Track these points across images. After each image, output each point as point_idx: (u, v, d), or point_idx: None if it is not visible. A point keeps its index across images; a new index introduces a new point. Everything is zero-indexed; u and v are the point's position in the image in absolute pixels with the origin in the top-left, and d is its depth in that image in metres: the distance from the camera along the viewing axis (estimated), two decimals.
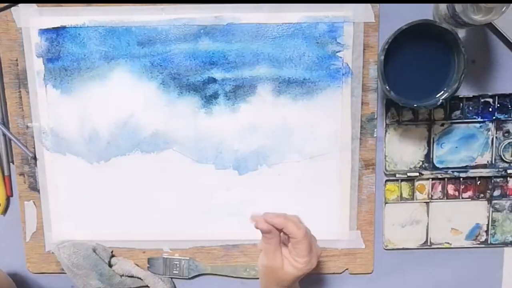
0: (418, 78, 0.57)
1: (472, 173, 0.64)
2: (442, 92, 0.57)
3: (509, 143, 0.63)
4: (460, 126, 0.63)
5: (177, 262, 0.66)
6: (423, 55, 0.57)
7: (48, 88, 0.63)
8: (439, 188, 0.64)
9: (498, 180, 0.64)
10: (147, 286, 0.65)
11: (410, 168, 0.64)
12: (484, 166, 0.64)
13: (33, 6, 0.61)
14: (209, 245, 0.66)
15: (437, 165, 0.64)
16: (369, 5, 0.60)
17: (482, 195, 0.64)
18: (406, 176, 0.64)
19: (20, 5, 0.61)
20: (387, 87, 0.55)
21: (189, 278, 0.66)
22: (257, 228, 0.54)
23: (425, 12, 0.60)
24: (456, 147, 0.63)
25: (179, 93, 0.62)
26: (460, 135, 0.63)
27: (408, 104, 0.56)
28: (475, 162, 0.64)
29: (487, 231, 0.65)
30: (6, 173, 0.65)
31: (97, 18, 0.61)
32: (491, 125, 0.63)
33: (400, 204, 0.65)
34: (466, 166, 0.64)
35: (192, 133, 0.63)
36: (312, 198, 0.64)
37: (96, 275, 0.63)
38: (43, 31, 0.61)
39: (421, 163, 0.64)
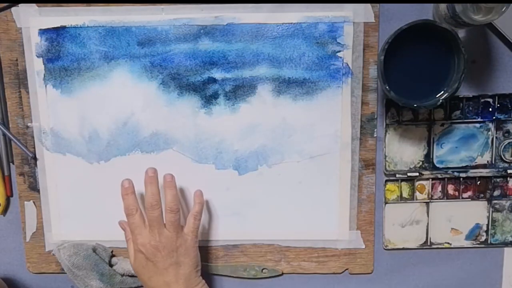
0: (418, 78, 0.57)
1: (472, 173, 0.64)
2: (442, 92, 0.57)
3: (509, 143, 0.63)
4: (460, 126, 0.63)
5: None
6: (423, 55, 0.57)
7: (48, 88, 0.63)
8: (439, 188, 0.64)
9: (498, 180, 0.64)
10: None
11: (410, 168, 0.64)
12: (484, 166, 0.64)
13: (33, 6, 0.61)
14: (209, 245, 0.66)
15: (437, 165, 0.64)
16: (369, 5, 0.60)
17: (482, 195, 0.64)
18: (406, 176, 0.64)
19: (20, 5, 0.61)
20: (387, 87, 0.55)
21: None
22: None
23: (425, 12, 0.60)
24: (456, 147, 0.63)
25: (179, 93, 0.62)
26: (460, 135, 0.63)
27: (408, 104, 0.56)
28: (475, 162, 0.64)
29: (487, 231, 0.65)
30: (6, 173, 0.65)
31: (97, 18, 0.61)
32: (491, 125, 0.63)
33: (400, 204, 0.65)
34: (466, 166, 0.64)
35: (192, 133, 0.63)
36: (312, 198, 0.64)
37: (97, 275, 0.63)
38: (43, 31, 0.61)
39: (421, 163, 0.64)
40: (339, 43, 0.61)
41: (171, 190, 0.60)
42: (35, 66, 0.62)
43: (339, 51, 0.61)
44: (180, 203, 0.62)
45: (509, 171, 0.63)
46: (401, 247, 0.66)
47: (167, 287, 0.58)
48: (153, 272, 0.58)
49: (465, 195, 0.64)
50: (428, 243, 0.65)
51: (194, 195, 0.62)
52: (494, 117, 0.63)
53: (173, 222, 0.58)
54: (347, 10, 0.60)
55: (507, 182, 0.64)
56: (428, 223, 0.65)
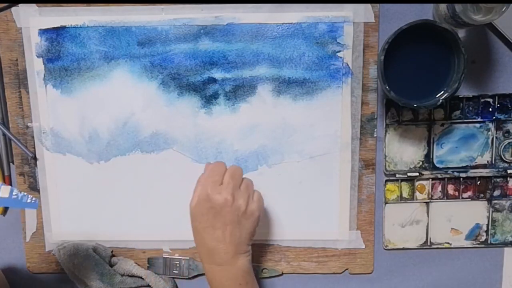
0: (418, 78, 0.57)
1: (472, 173, 0.64)
2: (442, 92, 0.57)
3: (509, 143, 0.63)
4: (460, 126, 0.63)
5: (177, 262, 0.66)
6: (423, 55, 0.57)
7: (48, 88, 0.63)
8: (439, 188, 0.64)
9: (498, 180, 0.64)
10: (148, 285, 0.65)
11: (410, 168, 0.64)
12: (484, 166, 0.64)
13: (33, 6, 0.61)
14: None
15: (437, 165, 0.64)
16: (369, 5, 0.60)
17: (482, 195, 0.64)
18: (406, 176, 0.64)
19: (20, 5, 0.61)
20: (387, 87, 0.55)
21: (189, 278, 0.66)
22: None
23: (425, 12, 0.60)
24: (456, 147, 0.63)
25: (179, 93, 0.63)
26: (460, 135, 0.63)
27: (408, 104, 0.56)
28: (475, 162, 0.64)
29: (487, 231, 0.65)
30: (6, 173, 0.65)
31: (97, 18, 0.61)
32: (491, 125, 0.63)
33: (400, 204, 0.65)
34: (466, 166, 0.64)
35: (192, 133, 0.63)
36: (312, 198, 0.64)
37: (97, 275, 0.63)
38: (43, 31, 0.61)
39: (421, 163, 0.64)
40: (339, 43, 0.61)
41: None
42: (35, 66, 0.62)
43: (339, 51, 0.61)
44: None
45: (509, 171, 0.63)
46: (401, 247, 0.66)
47: (216, 242, 0.56)
48: (214, 221, 0.56)
49: (465, 195, 0.64)
50: (428, 243, 0.65)
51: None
52: (494, 117, 0.63)
53: (248, 185, 0.58)
54: (347, 10, 0.60)
55: (507, 182, 0.64)
56: (428, 223, 0.65)
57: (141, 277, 0.65)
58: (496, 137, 0.63)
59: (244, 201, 0.56)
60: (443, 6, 0.56)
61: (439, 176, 0.64)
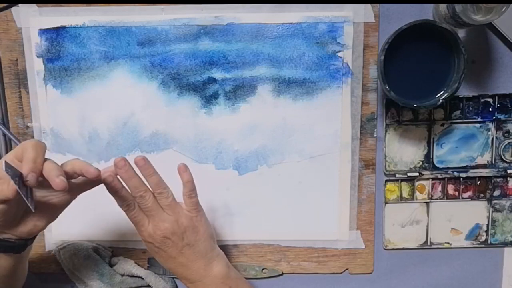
0: (418, 78, 0.57)
1: (472, 173, 0.64)
2: (442, 92, 0.57)
3: (509, 143, 0.63)
4: (460, 126, 0.63)
5: None
6: (423, 55, 0.57)
7: (48, 88, 0.63)
8: (439, 188, 0.64)
9: (498, 180, 0.64)
10: (148, 285, 0.65)
11: (410, 168, 0.64)
12: (484, 166, 0.64)
13: (33, 6, 0.61)
14: None
15: (437, 165, 0.64)
16: (369, 5, 0.60)
17: (482, 195, 0.64)
18: (406, 176, 0.64)
19: (20, 5, 0.61)
20: (387, 87, 0.55)
21: None
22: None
23: (425, 12, 0.60)
24: (456, 147, 0.63)
25: (179, 93, 0.63)
26: (460, 135, 0.63)
27: (408, 104, 0.56)
28: (475, 162, 0.64)
29: (487, 231, 0.65)
30: None
31: (97, 18, 0.61)
32: (491, 125, 0.63)
33: (400, 204, 0.65)
34: (466, 166, 0.64)
35: (192, 133, 0.63)
36: (312, 198, 0.64)
37: (97, 275, 0.63)
38: (43, 31, 0.61)
39: (421, 163, 0.64)
40: (339, 43, 0.61)
41: (151, 177, 0.55)
42: (35, 66, 0.62)
43: (339, 51, 0.61)
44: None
45: (509, 171, 0.63)
46: (401, 247, 0.66)
47: (183, 267, 0.57)
48: (167, 256, 0.57)
49: (465, 195, 0.64)
50: (428, 243, 0.65)
51: (179, 174, 0.57)
52: (494, 117, 0.63)
53: (170, 204, 0.56)
54: (347, 10, 0.60)
55: (507, 182, 0.64)
56: (428, 223, 0.65)
57: (141, 277, 0.65)
58: (496, 137, 0.63)
59: (177, 225, 0.55)
60: (443, 6, 0.56)
61: (439, 176, 0.64)
